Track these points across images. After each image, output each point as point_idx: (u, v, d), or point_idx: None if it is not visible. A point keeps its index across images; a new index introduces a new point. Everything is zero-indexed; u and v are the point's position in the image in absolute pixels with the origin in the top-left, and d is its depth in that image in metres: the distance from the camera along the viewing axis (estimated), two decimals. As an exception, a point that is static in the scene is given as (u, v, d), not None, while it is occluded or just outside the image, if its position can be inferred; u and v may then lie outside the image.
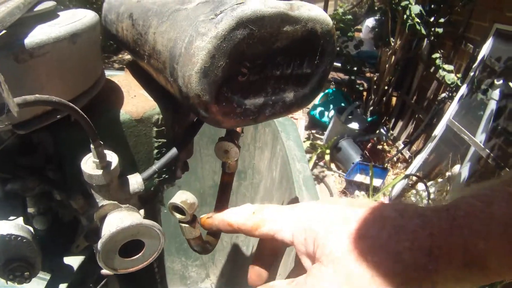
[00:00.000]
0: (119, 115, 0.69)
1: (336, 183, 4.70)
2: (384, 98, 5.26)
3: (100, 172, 0.58)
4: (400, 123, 5.29)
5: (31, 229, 0.68)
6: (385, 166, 4.72)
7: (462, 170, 3.60)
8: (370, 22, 6.32)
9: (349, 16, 5.01)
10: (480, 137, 3.54)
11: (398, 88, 5.36)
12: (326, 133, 5.25)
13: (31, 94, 0.45)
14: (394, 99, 5.46)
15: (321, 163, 4.89)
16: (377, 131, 5.26)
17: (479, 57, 3.91)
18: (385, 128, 5.33)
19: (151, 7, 0.66)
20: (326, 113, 5.56)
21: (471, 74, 3.96)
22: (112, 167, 0.59)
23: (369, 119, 5.28)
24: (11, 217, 0.71)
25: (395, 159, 4.92)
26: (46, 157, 0.73)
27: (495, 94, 3.49)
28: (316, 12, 0.59)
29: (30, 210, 0.83)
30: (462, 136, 3.75)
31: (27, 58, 0.53)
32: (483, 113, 3.60)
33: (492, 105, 3.51)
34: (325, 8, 6.04)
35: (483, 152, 3.45)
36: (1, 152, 0.63)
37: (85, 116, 0.52)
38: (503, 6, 3.79)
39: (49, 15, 0.65)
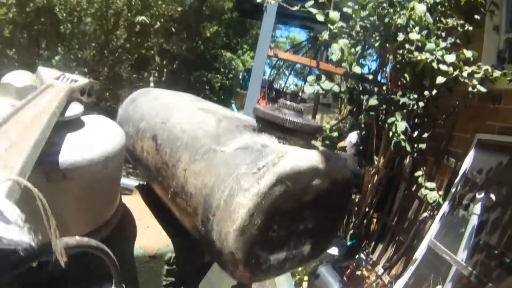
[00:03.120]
0: (133, 249, 0.68)
1: (314, 314, 4.54)
2: (365, 221, 5.23)
3: (117, 313, 0.56)
4: (380, 246, 5.21)
5: None
6: (365, 293, 4.61)
7: (444, 291, 3.53)
8: (352, 137, 6.37)
9: (335, 134, 5.06)
10: (462, 255, 3.51)
11: (379, 209, 5.33)
12: (303, 259, 5.11)
13: (58, 220, 0.42)
14: (374, 221, 5.43)
15: (299, 291, 4.74)
16: (357, 256, 5.17)
17: (461, 171, 3.92)
18: (364, 253, 5.26)
19: (180, 136, 0.66)
20: (304, 238, 5.44)
21: (453, 190, 3.97)
22: (129, 309, 0.57)
23: (348, 243, 5.18)
24: None
25: (374, 285, 4.80)
26: (49, 276, 0.70)
27: (477, 208, 3.47)
28: (340, 163, 0.60)
29: None
30: (443, 257, 3.72)
31: (60, 179, 0.51)
32: (464, 229, 3.58)
33: (473, 220, 3.49)
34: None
35: (465, 270, 3.41)
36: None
37: (116, 261, 0.51)
38: (485, 115, 3.88)
39: (76, 122, 0.64)
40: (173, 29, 10.03)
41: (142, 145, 0.78)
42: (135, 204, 0.83)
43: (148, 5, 7.94)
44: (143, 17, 7.66)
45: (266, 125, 0.60)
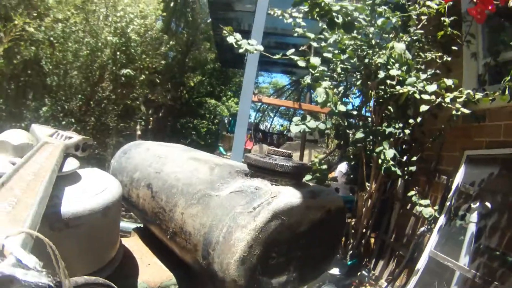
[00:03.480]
0: (136, 284, 0.70)
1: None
2: (363, 241, 5.25)
3: None
4: (381, 263, 5.21)
5: None
6: (370, 306, 4.57)
7: (450, 296, 3.49)
8: (342, 166, 6.47)
9: (325, 166, 5.13)
10: (464, 260, 3.46)
11: (376, 229, 5.36)
12: (306, 281, 5.08)
13: (62, 263, 0.45)
14: (372, 240, 5.45)
15: (302, 312, 4.67)
16: (359, 274, 5.16)
17: (454, 186, 3.96)
18: (366, 270, 5.25)
19: (175, 184, 0.70)
20: (305, 261, 5.43)
21: (448, 204, 3.95)
22: None
23: (349, 262, 5.19)
24: None
25: None
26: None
27: (473, 217, 3.43)
28: (331, 196, 0.64)
29: None
30: (445, 264, 3.70)
31: (62, 227, 0.54)
32: (463, 237, 3.54)
33: (472, 228, 3.44)
34: (301, 159, 6.19)
35: (469, 273, 3.36)
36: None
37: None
38: (471, 133, 3.97)
39: (73, 176, 0.68)
40: (158, 80, 10.19)
41: (137, 193, 0.81)
42: (135, 245, 0.85)
43: (133, 59, 8.10)
44: (128, 70, 7.78)
45: (258, 170, 0.64)
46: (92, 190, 0.63)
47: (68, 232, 0.54)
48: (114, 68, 7.68)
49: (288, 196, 0.55)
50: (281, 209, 0.54)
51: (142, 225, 0.96)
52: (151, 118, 11.17)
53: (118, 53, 7.69)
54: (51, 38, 6.87)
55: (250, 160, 0.63)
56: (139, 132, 9.67)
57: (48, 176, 0.53)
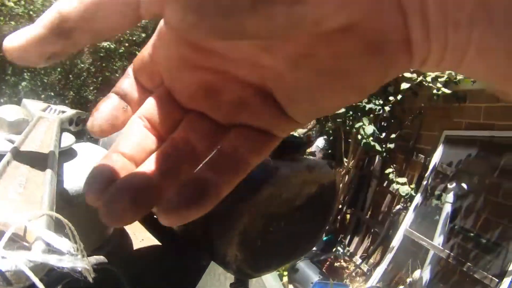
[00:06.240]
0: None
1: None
2: (339, 217, 5.31)
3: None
4: (356, 239, 5.27)
5: None
6: (345, 282, 4.67)
7: (423, 274, 3.52)
8: (320, 141, 6.46)
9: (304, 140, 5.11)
10: (438, 239, 3.50)
11: (352, 205, 5.41)
12: (282, 254, 5.10)
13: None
14: (348, 216, 5.51)
15: (279, 286, 4.74)
16: (334, 249, 5.23)
17: (431, 166, 4.03)
18: (341, 246, 5.33)
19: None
20: (280, 235, 5.46)
21: (424, 183, 4.05)
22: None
23: (324, 238, 5.24)
24: None
25: (353, 274, 4.88)
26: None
27: (449, 197, 3.54)
28: (325, 169, 0.66)
29: None
30: (420, 243, 3.77)
31: (66, 206, 0.54)
32: (439, 217, 3.58)
33: (447, 208, 3.49)
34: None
35: (443, 253, 3.43)
36: None
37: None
38: (451, 114, 3.98)
39: (70, 152, 0.68)
40: (137, 53, 10.01)
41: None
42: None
43: (111, 31, 7.95)
44: (107, 43, 7.65)
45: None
46: (91, 166, 0.63)
47: (71, 211, 0.54)
48: (93, 40, 7.56)
49: (287, 171, 0.57)
50: (280, 183, 0.56)
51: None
52: (130, 91, 11.05)
53: (97, 25, 7.55)
54: (31, 12, 6.72)
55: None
56: (118, 106, 9.57)
57: (52, 151, 0.53)
